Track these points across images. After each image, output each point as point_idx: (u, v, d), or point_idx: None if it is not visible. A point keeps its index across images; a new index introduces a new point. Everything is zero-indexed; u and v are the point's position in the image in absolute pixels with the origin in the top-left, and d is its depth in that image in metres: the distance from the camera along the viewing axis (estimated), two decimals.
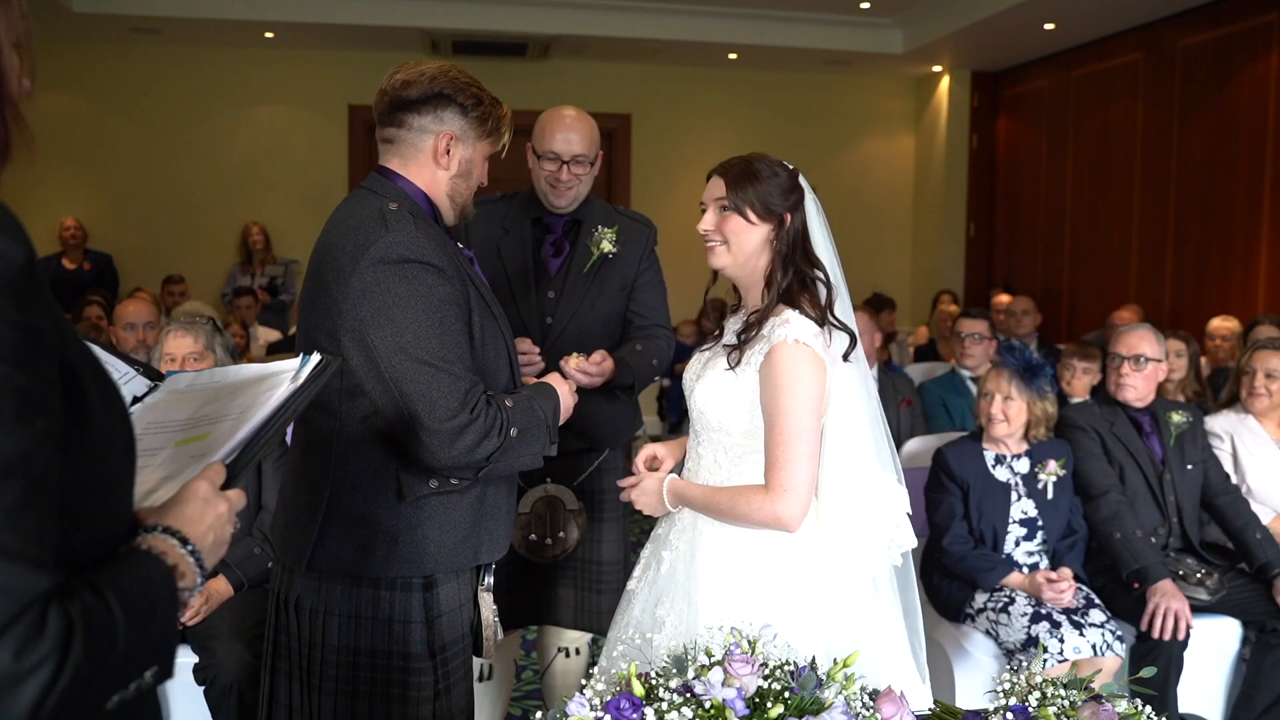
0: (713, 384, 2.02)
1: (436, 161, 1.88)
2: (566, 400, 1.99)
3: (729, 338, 2.08)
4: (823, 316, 1.99)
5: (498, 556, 1.94)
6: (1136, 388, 3.44)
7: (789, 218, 2.00)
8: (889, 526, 2.01)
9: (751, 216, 1.99)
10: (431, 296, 1.75)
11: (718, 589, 1.95)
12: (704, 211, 2.05)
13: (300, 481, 1.89)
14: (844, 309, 2.06)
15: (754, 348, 1.98)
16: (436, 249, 1.79)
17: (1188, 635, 3.07)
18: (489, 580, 1.96)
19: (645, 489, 2.09)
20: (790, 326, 1.94)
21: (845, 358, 2.02)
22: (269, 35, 7.77)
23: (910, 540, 2.04)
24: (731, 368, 2.00)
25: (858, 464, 2.03)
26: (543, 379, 2.03)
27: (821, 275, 2.02)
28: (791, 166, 2.06)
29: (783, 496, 1.89)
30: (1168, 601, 3.06)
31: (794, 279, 2.00)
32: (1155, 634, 3.05)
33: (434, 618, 1.85)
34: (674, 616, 1.97)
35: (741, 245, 2.01)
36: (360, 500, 1.82)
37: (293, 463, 1.93)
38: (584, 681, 1.47)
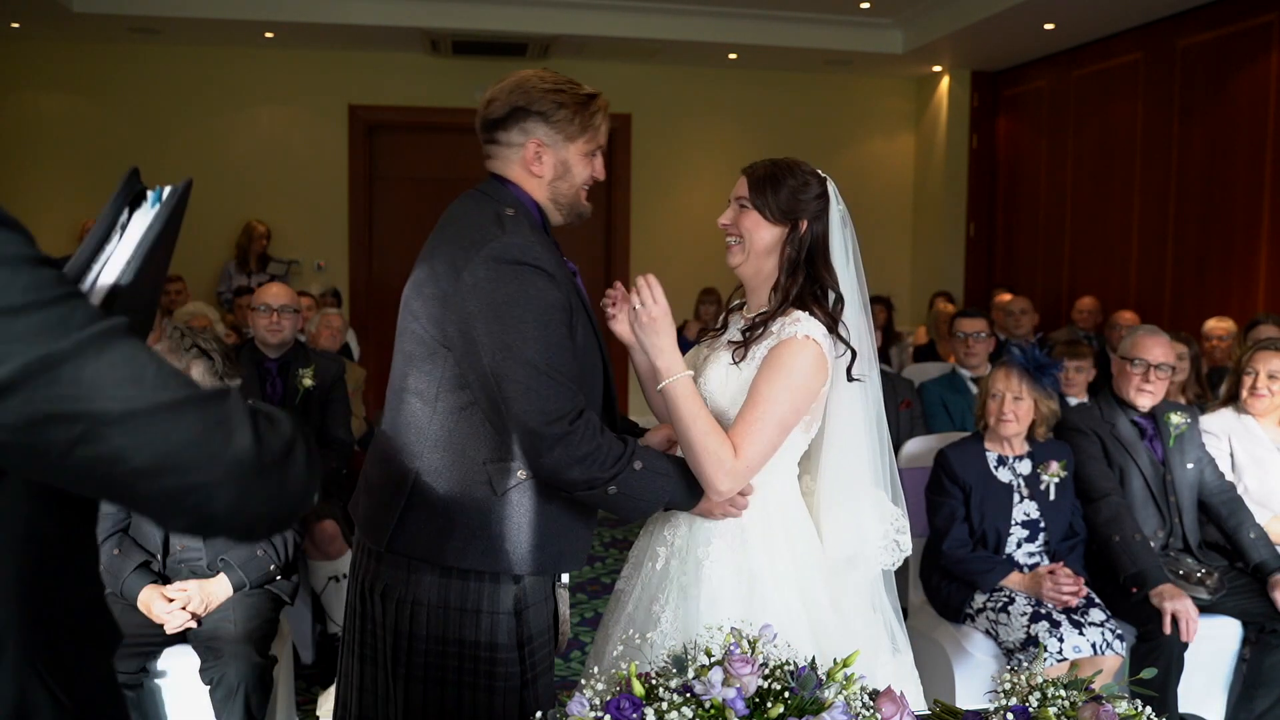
0: (714, 378, 2.03)
1: (530, 170, 1.91)
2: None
3: (733, 334, 2.08)
4: (831, 324, 1.99)
5: (576, 567, 1.95)
6: (1155, 394, 3.43)
7: (804, 224, 2.00)
8: (886, 535, 2.04)
9: (767, 215, 2.00)
10: (540, 300, 1.77)
11: (716, 584, 1.95)
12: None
13: (387, 464, 1.90)
14: (857, 331, 2.05)
15: (760, 345, 1.98)
16: (549, 255, 1.82)
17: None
18: (565, 577, 1.98)
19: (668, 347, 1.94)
20: (801, 325, 1.96)
21: (849, 378, 2.03)
22: (269, 35, 7.77)
23: (908, 547, 2.07)
24: (735, 363, 2.01)
25: (853, 482, 2.05)
26: None
27: (834, 289, 2.02)
28: (825, 177, 2.06)
29: (737, 464, 1.88)
30: (1178, 603, 3.06)
31: (804, 286, 2.00)
32: (1168, 632, 3.04)
33: (522, 609, 1.87)
34: (669, 613, 1.97)
35: (754, 242, 2.02)
36: (443, 489, 1.83)
37: (380, 446, 1.94)
38: (583, 681, 1.47)
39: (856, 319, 2.06)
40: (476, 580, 1.84)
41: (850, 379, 2.03)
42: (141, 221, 1.04)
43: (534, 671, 1.89)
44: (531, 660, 1.89)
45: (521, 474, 1.83)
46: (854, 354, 2.03)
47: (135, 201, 1.06)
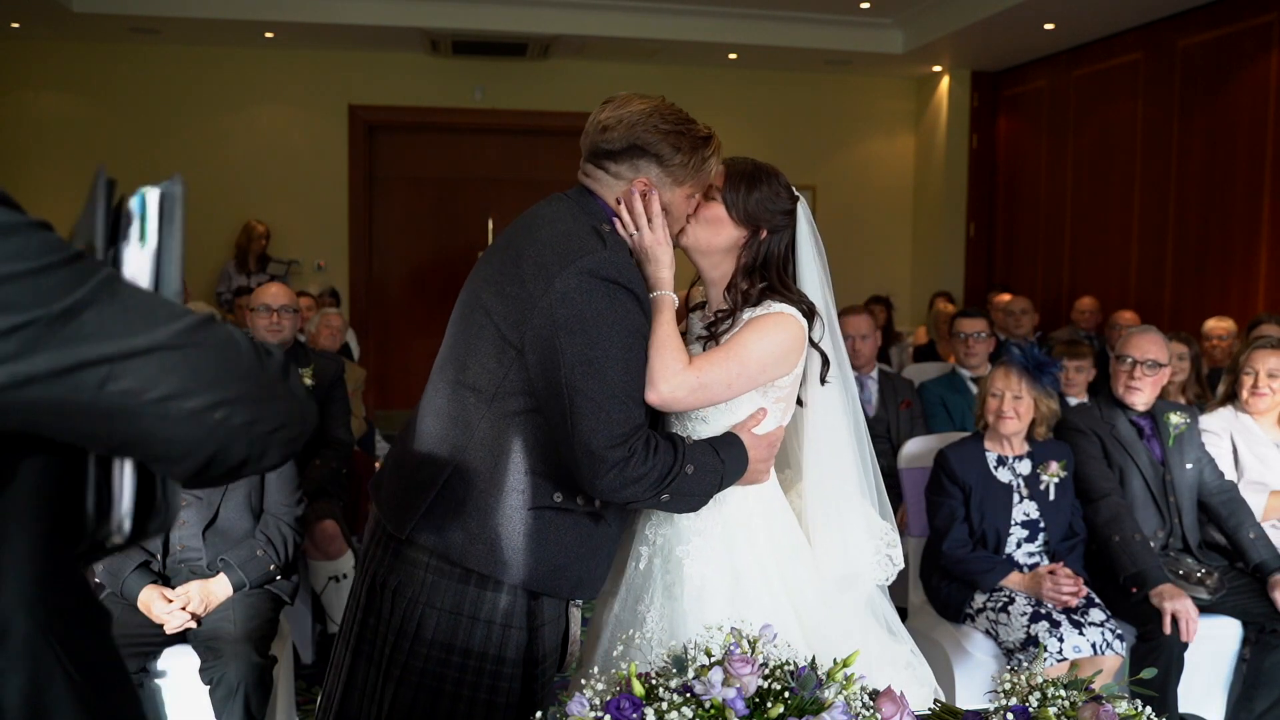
0: None
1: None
2: (751, 447, 1.93)
3: (698, 330, 2.08)
4: (807, 314, 2.00)
5: (592, 596, 1.94)
6: (1144, 391, 3.43)
7: (764, 233, 2.00)
8: (878, 550, 2.06)
9: (733, 214, 1.99)
10: (629, 322, 1.76)
11: (699, 582, 1.96)
12: None
13: (423, 453, 1.86)
14: (835, 343, 2.07)
15: (730, 333, 1.98)
16: (640, 279, 1.82)
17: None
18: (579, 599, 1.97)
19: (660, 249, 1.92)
20: (774, 306, 1.97)
21: (823, 381, 2.05)
22: (269, 35, 7.77)
23: (900, 561, 2.08)
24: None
25: (841, 497, 2.06)
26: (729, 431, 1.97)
27: (799, 300, 2.02)
28: (798, 196, 2.06)
29: (687, 374, 1.86)
30: (1178, 603, 3.06)
31: (764, 292, 2.00)
32: (1168, 632, 3.05)
33: (536, 626, 1.84)
34: (655, 612, 1.97)
35: (709, 232, 2.00)
36: (479, 490, 1.80)
37: (418, 432, 1.90)
38: (584, 681, 1.47)
39: (833, 332, 2.08)
40: (494, 590, 1.81)
41: (824, 381, 2.05)
42: (139, 258, 0.96)
43: (542, 693, 1.87)
44: (542, 680, 1.87)
45: (558, 497, 1.81)
46: (824, 357, 2.04)
47: (118, 217, 0.97)
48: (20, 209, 0.90)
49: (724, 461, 1.88)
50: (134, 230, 0.96)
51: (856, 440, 2.11)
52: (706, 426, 1.99)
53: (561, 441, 1.76)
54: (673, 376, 1.84)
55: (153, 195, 0.96)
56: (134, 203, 0.96)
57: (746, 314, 1.98)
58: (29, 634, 0.93)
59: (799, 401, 2.08)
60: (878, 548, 2.07)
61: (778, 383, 1.97)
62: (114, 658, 1.05)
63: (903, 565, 2.10)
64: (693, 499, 1.87)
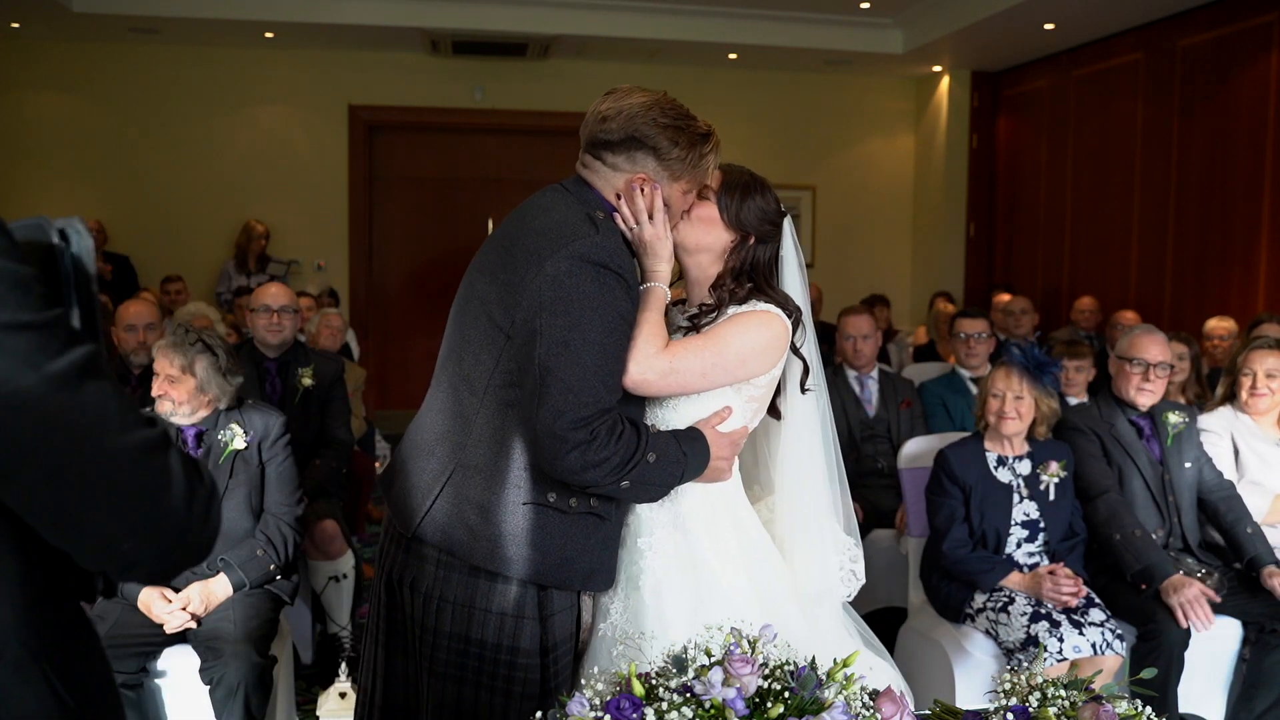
0: None
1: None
2: (714, 444, 1.93)
3: (679, 321, 2.08)
4: (793, 317, 2.01)
5: (605, 587, 1.94)
6: (1154, 393, 3.43)
7: (752, 239, 2.02)
8: (843, 566, 2.08)
9: (725, 217, 2.01)
10: (614, 307, 1.76)
11: (661, 574, 1.96)
12: None
13: (428, 453, 1.88)
14: (809, 348, 2.09)
15: (713, 326, 1.99)
16: (631, 265, 1.82)
17: (1188, 634, 3.07)
18: None
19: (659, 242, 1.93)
20: (759, 305, 1.98)
21: (803, 389, 2.06)
22: (269, 35, 7.77)
23: (863, 576, 2.10)
24: None
25: (813, 509, 2.07)
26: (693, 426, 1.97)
27: (785, 302, 2.03)
28: (785, 211, 2.08)
29: (659, 358, 1.87)
30: (1187, 594, 3.06)
31: (750, 292, 2.01)
32: (1182, 625, 3.05)
33: (547, 615, 1.86)
34: (618, 604, 1.97)
35: (699, 231, 2.01)
36: (482, 486, 1.81)
37: (423, 432, 1.92)
38: (584, 681, 1.47)
39: (811, 343, 2.09)
40: (504, 582, 1.82)
41: (804, 390, 2.06)
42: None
43: (556, 680, 1.88)
44: (555, 668, 1.88)
45: (552, 496, 1.82)
46: (805, 364, 2.05)
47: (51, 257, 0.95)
48: (10, 239, 0.87)
49: (686, 455, 1.88)
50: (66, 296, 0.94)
51: (826, 453, 2.12)
52: (675, 414, 1.99)
53: (528, 421, 1.77)
54: (644, 359, 1.85)
55: (69, 259, 0.94)
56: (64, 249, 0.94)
57: (731, 309, 2.00)
58: (20, 658, 0.93)
59: (777, 415, 2.09)
60: (842, 563, 2.09)
61: (753, 381, 1.98)
62: (105, 681, 1.05)
63: (864, 581, 2.12)
64: (653, 488, 1.86)
